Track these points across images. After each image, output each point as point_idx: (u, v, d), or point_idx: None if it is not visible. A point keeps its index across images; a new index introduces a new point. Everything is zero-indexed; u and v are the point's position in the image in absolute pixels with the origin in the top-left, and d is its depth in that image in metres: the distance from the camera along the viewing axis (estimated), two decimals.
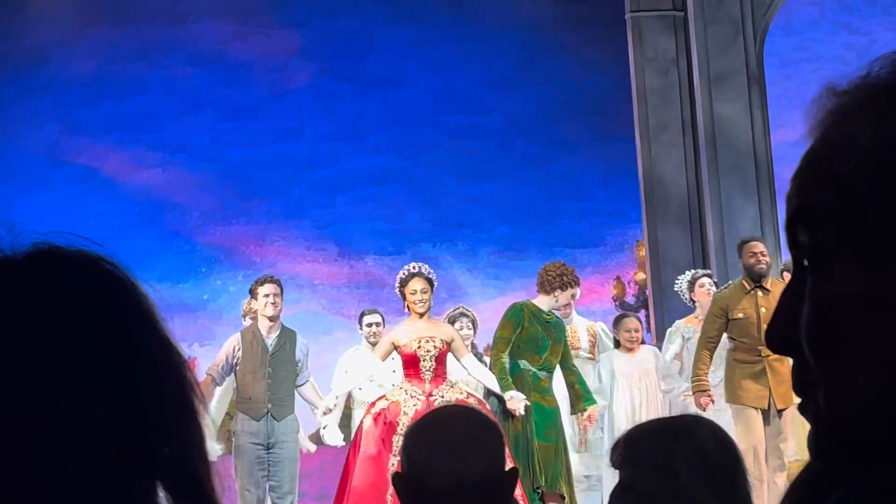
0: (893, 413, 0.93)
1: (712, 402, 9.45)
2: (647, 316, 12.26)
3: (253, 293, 9.21)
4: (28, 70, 12.99)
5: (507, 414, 8.73)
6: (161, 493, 1.12)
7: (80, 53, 13.18)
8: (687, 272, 11.02)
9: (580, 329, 10.34)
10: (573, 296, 9.21)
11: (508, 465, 2.76)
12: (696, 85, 13.21)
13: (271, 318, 9.20)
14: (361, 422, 8.91)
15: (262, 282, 9.23)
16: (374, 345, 10.07)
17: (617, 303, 13.48)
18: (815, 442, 1.00)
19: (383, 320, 10.32)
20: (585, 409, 9.07)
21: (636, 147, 13.41)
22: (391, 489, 8.59)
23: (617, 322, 10.15)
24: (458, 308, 10.35)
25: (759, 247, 9.69)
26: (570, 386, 9.08)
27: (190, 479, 1.14)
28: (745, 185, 13.04)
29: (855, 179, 0.95)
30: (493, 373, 9.02)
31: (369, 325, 10.27)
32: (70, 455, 1.07)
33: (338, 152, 13.45)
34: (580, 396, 9.05)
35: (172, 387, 1.15)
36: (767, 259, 9.71)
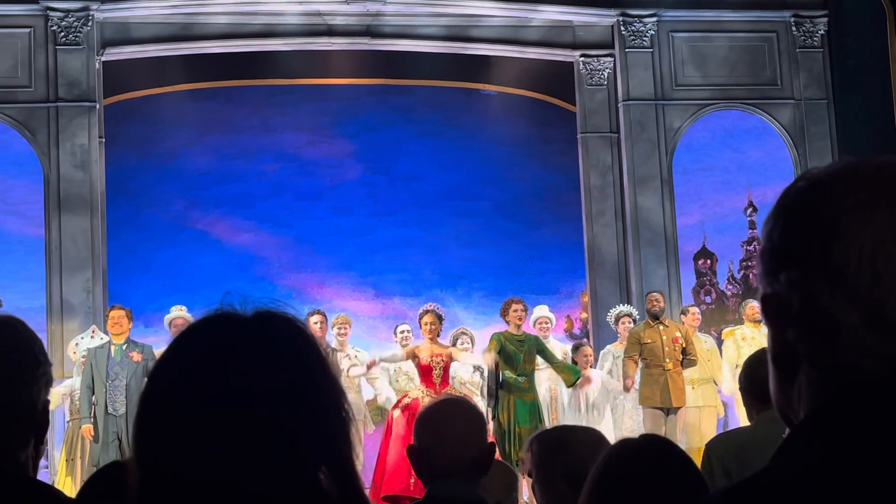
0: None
1: (635, 386, 10.03)
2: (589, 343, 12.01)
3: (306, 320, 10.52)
4: (164, 163, 13.33)
5: (495, 412, 9.24)
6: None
7: (200, 152, 13.50)
8: (616, 307, 11.44)
9: (556, 349, 10.59)
10: (519, 317, 9.62)
11: (489, 439, 2.87)
12: (625, 184, 13.55)
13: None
14: (391, 412, 9.38)
15: (312, 313, 9.96)
16: (405, 346, 10.26)
17: (567, 334, 13.56)
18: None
19: (411, 329, 10.68)
20: (575, 383, 9.51)
21: (583, 226, 13.66)
22: None
23: (576, 348, 10.73)
24: (461, 329, 10.98)
25: (655, 295, 10.50)
26: (558, 372, 9.47)
27: (343, 464, 1.20)
28: (658, 254, 13.31)
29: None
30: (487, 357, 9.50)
31: (402, 332, 10.70)
32: (280, 444, 1.15)
33: (376, 225, 13.69)
34: (566, 373, 9.47)
35: (336, 402, 1.22)
36: (661, 304, 10.44)
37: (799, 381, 0.99)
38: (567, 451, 2.64)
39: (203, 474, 1.14)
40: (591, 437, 2.76)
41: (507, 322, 9.75)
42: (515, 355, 9.46)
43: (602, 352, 11.46)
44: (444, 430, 2.64)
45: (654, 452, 2.11)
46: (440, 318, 9.63)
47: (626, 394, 10.43)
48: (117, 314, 9.69)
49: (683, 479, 2.06)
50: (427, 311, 9.62)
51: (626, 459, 2.09)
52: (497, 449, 9.02)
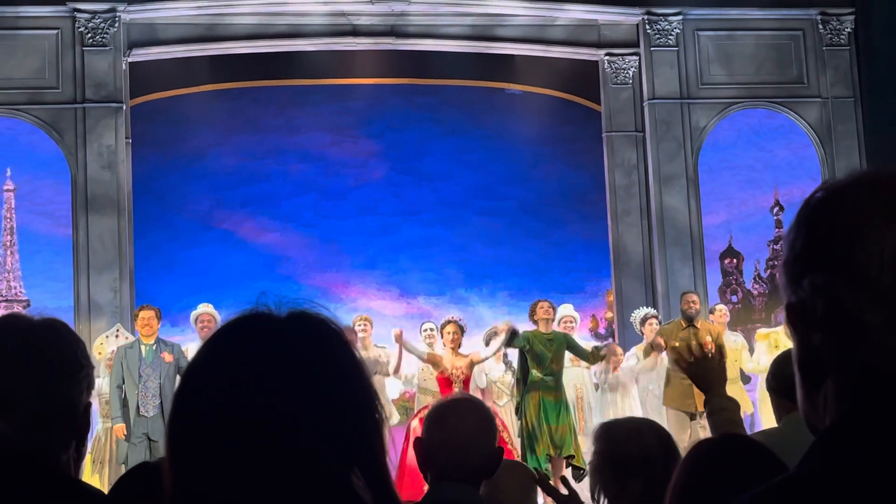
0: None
1: (664, 349, 10.05)
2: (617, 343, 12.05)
3: None
4: (190, 163, 13.39)
5: (521, 410, 9.31)
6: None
7: (226, 152, 13.54)
8: (640, 308, 11.34)
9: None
10: (546, 313, 9.67)
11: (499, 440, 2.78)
12: (650, 183, 13.55)
13: None
14: (410, 422, 9.42)
15: (358, 319, 10.19)
16: (430, 344, 10.54)
17: (592, 333, 13.52)
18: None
19: (435, 327, 10.74)
20: (601, 356, 9.63)
21: (608, 225, 13.70)
22: None
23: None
24: (493, 328, 10.64)
25: (692, 297, 10.29)
26: (584, 359, 9.69)
27: (377, 467, 1.20)
28: (684, 254, 13.31)
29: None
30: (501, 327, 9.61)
31: (427, 329, 10.80)
32: (314, 447, 1.15)
33: (400, 224, 13.73)
34: (588, 355, 9.62)
35: (370, 404, 1.21)
36: (697, 306, 10.28)
37: (825, 387, 1.00)
38: (628, 443, 2.65)
39: (236, 477, 1.13)
40: (653, 430, 2.75)
41: (536, 322, 9.78)
42: (543, 355, 9.50)
43: (627, 354, 11.40)
44: (453, 430, 2.59)
45: (737, 451, 2.10)
46: (462, 330, 9.73)
47: (654, 379, 10.44)
48: (147, 314, 9.71)
49: (769, 476, 1.96)
50: (449, 322, 9.73)
51: (711, 459, 2.07)
52: (517, 450, 9.17)
